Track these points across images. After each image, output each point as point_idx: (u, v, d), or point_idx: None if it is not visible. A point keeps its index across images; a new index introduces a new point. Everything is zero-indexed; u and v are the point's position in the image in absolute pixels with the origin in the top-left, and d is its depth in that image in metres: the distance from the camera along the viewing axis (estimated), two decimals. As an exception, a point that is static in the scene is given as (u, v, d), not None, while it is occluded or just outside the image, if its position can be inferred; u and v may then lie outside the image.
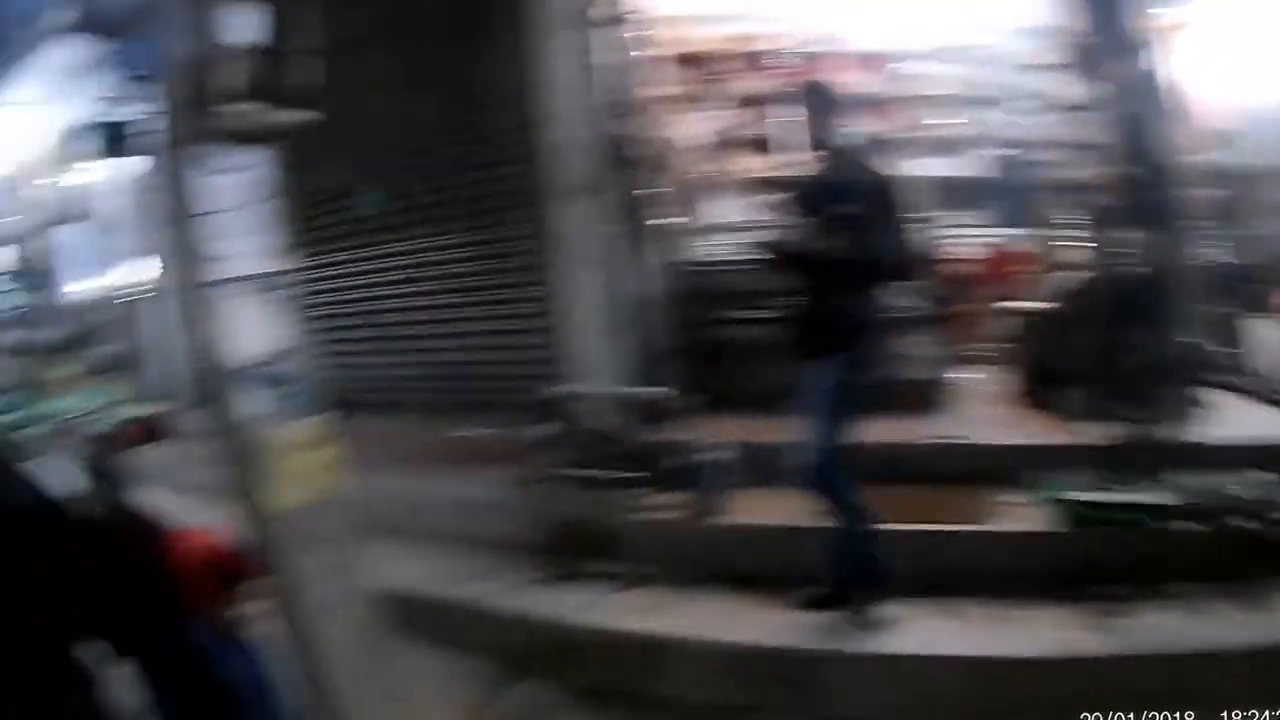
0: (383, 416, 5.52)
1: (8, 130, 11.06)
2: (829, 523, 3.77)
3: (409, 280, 5.73)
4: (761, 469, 4.43)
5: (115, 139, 8.00)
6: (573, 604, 4.33)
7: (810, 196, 3.82)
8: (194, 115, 3.73)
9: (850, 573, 3.82)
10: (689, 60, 6.03)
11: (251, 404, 4.21)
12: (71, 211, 10.22)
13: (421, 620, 4.27)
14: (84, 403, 6.19)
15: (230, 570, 2.09)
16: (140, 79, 7.63)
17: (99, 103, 8.18)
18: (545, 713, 3.99)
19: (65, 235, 10.61)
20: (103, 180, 9.22)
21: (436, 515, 5.26)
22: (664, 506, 4.59)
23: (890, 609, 3.79)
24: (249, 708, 2.00)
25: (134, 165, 8.23)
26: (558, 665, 4.17)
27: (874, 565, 3.80)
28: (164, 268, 8.45)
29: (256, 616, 2.13)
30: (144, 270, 9.07)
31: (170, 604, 1.75)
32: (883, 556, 3.79)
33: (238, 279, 4.48)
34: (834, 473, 3.70)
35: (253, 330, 4.56)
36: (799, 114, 3.97)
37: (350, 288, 5.96)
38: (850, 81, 6.05)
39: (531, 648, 4.23)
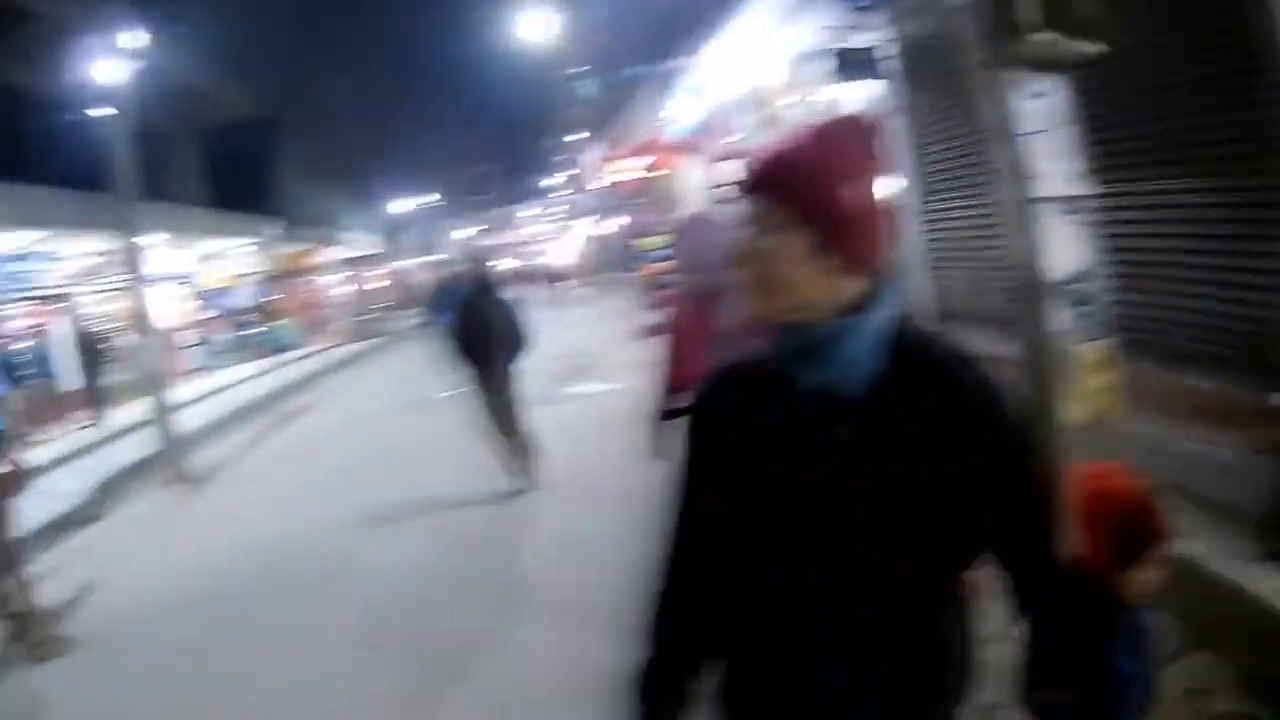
0: (1136, 353, 5.74)
1: (748, 54, 12.98)
2: None
3: (1175, 220, 5.81)
4: None
5: (852, 63, 9.13)
6: (1268, 584, 4.24)
7: None
8: (995, 42, 4.35)
9: None
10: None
11: (1056, 320, 4.78)
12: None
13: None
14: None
15: (1140, 530, 2.03)
16: (867, 8, 8.65)
17: (831, 30, 9.39)
18: (1208, 687, 4.05)
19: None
20: (840, 102, 10.40)
21: (1159, 462, 5.47)
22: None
23: None
24: (1125, 689, 1.95)
25: (869, 89, 9.29)
26: (1232, 643, 4.18)
27: None
28: (909, 184, 9.51)
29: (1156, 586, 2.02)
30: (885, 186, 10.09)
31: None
32: None
33: (1044, 199, 5.06)
34: None
35: (1057, 249, 5.13)
36: None
37: (1124, 220, 6.25)
38: None
39: (1215, 619, 4.23)
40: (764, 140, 13.95)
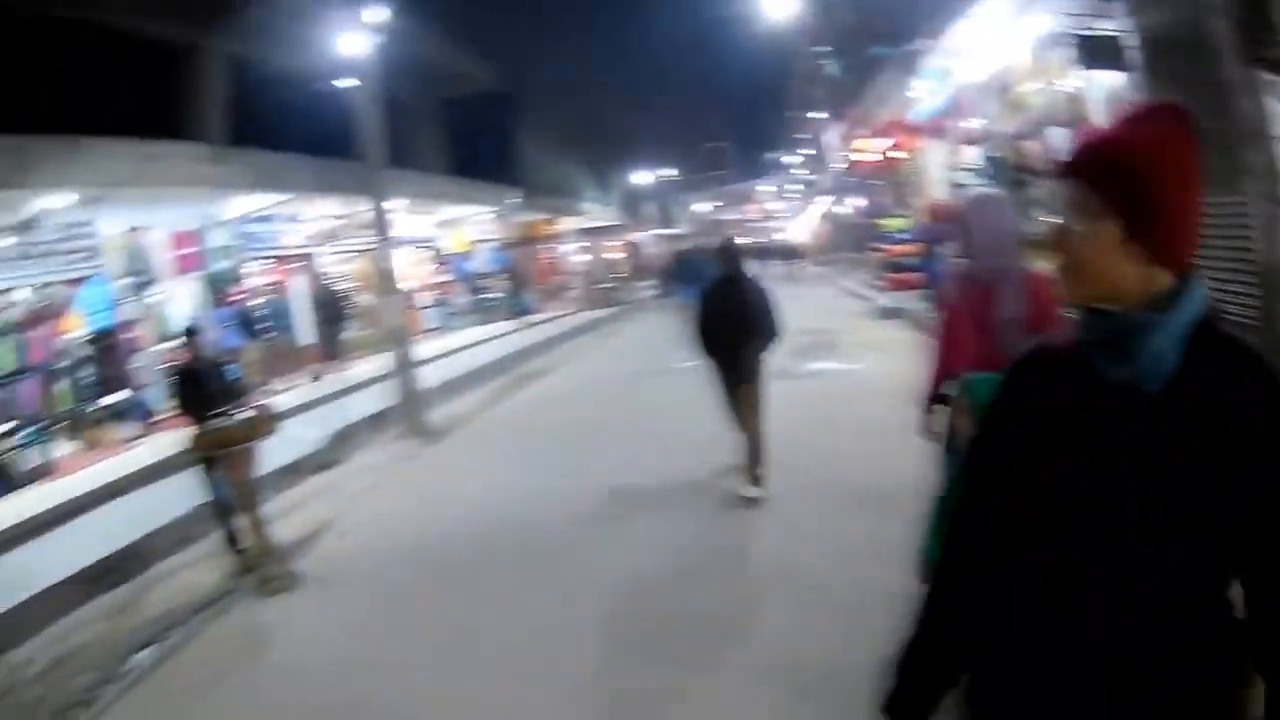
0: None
1: (992, 38, 12.72)
2: None
3: None
4: None
5: (1094, 52, 8.87)
6: None
7: None
8: (1251, 43, 4.29)
9: None
10: None
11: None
12: (1057, 116, 11.44)
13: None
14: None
15: None
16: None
17: (1073, 16, 9.15)
18: None
19: (1056, 138, 11.83)
20: (1085, 91, 10.14)
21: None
22: None
23: None
24: None
25: (1112, 78, 9.01)
26: None
27: None
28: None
29: None
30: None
31: None
32: None
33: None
34: None
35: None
36: None
37: None
38: None
39: None
40: (1006, 126, 13.75)
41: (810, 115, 43.70)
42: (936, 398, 4.40)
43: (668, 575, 6.78)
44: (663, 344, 13.81)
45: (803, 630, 5.48)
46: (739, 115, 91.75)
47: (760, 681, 4.99)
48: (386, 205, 14.84)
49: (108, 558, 8.60)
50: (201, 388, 8.16)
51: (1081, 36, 8.97)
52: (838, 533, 6.96)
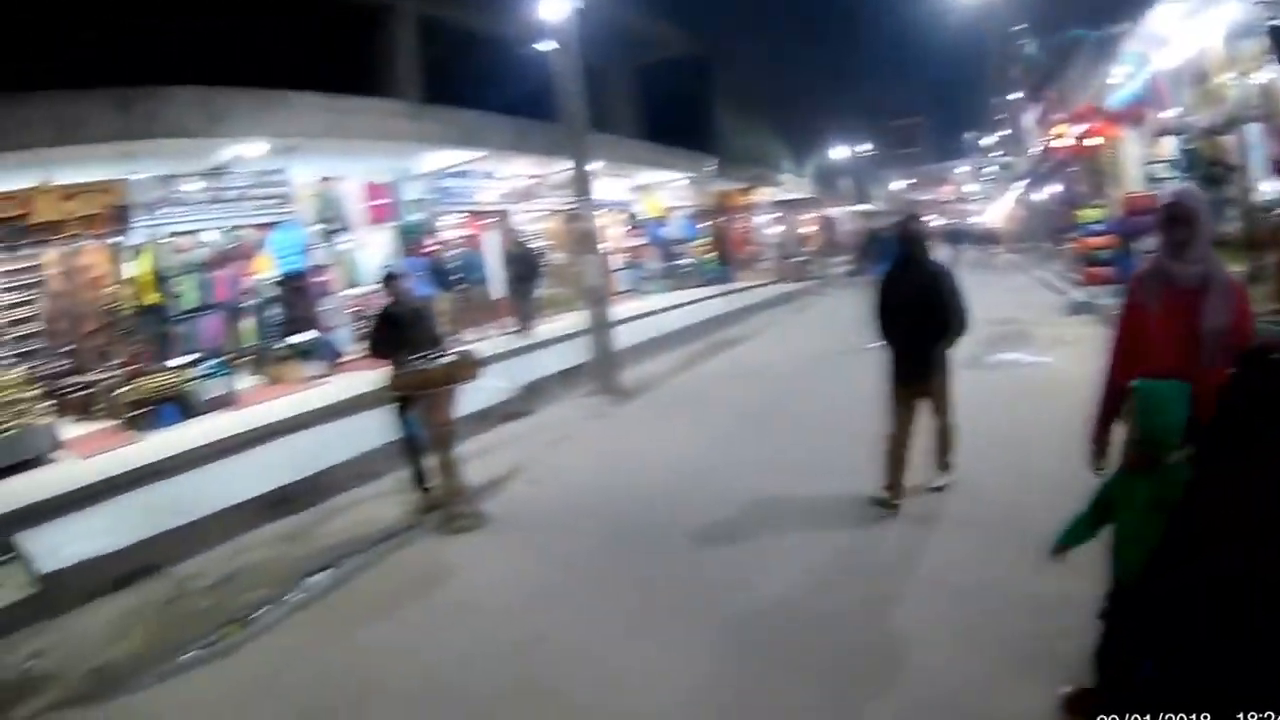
0: None
1: (1187, 25, 12.11)
2: None
3: None
4: None
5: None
6: None
7: None
8: None
9: None
10: None
11: None
12: (1251, 111, 10.83)
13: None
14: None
15: None
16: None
17: (1265, 3, 8.64)
18: None
19: (1250, 134, 11.22)
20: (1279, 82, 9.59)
21: None
22: None
23: None
24: None
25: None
26: None
27: None
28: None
29: None
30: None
31: None
32: None
33: None
34: None
35: None
36: None
37: None
38: None
39: None
40: (1201, 118, 13.05)
41: (1008, 96, 42.31)
42: (1108, 415, 4.06)
43: (834, 573, 6.35)
44: (853, 323, 13.48)
45: (958, 659, 4.98)
46: (936, 93, 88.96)
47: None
48: (586, 167, 15.18)
49: (286, 486, 9.06)
50: (401, 331, 8.43)
51: (1272, 28, 8.49)
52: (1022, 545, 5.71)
